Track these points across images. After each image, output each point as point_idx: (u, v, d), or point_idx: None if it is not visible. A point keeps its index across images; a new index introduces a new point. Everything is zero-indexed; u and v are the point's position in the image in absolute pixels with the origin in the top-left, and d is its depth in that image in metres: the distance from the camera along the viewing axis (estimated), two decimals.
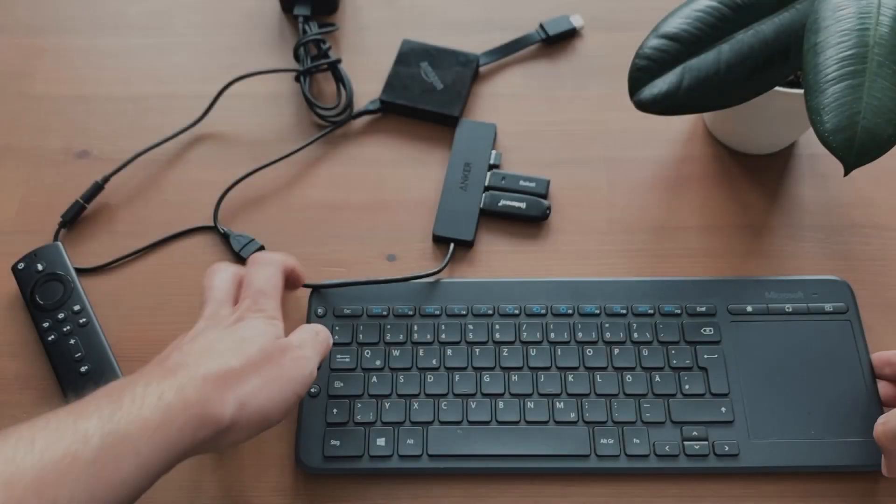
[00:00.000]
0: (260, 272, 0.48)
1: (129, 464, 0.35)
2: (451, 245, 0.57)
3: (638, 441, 0.49)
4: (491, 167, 0.60)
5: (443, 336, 0.53)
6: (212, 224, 0.59)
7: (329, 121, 0.63)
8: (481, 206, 0.59)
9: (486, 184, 0.59)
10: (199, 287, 0.52)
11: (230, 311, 0.45)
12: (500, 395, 0.51)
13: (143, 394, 0.37)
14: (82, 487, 0.33)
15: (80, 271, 0.56)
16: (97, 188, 0.60)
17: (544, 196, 0.59)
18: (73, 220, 0.59)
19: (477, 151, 0.61)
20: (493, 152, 0.61)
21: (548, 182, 0.59)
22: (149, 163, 0.62)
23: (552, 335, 0.53)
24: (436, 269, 0.56)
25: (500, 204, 0.58)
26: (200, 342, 0.42)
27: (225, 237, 0.58)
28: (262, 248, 0.58)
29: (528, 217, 0.58)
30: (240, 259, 0.57)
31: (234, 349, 0.41)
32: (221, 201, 0.59)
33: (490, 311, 0.54)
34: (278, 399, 0.41)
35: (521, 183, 0.59)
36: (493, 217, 0.59)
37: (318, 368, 0.45)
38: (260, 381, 0.41)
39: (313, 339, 0.45)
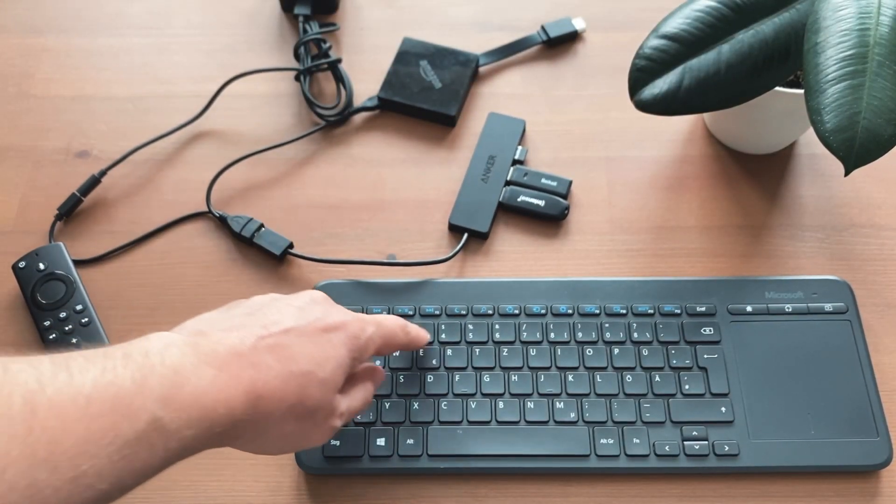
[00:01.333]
0: (394, 318, 0.47)
1: (156, 457, 0.33)
2: (465, 235, 0.57)
3: (638, 441, 0.49)
4: (515, 162, 0.60)
5: (443, 336, 0.53)
6: (206, 210, 0.59)
7: (326, 118, 0.63)
8: (501, 199, 0.59)
9: (508, 178, 0.60)
10: (201, 283, 0.55)
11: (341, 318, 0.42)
12: (500, 395, 0.51)
13: (204, 391, 0.34)
14: (110, 467, 0.31)
15: (77, 263, 0.57)
16: (94, 181, 0.60)
17: (564, 196, 0.59)
18: (70, 212, 0.59)
19: (503, 145, 0.61)
20: (520, 148, 0.61)
21: (569, 182, 0.59)
22: (147, 160, 0.62)
23: (552, 335, 0.53)
24: (448, 256, 0.56)
25: (518, 199, 0.59)
26: (288, 345, 0.38)
27: (222, 220, 0.58)
28: (262, 225, 0.58)
29: (545, 215, 0.58)
30: (241, 241, 0.58)
31: (305, 378, 0.38)
32: (213, 185, 0.60)
33: (490, 311, 0.54)
34: (283, 447, 0.41)
35: (543, 181, 0.59)
36: (511, 212, 0.59)
37: None
38: (290, 429, 0.39)
39: (354, 414, 0.44)
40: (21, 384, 0.29)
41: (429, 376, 0.52)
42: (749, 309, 0.53)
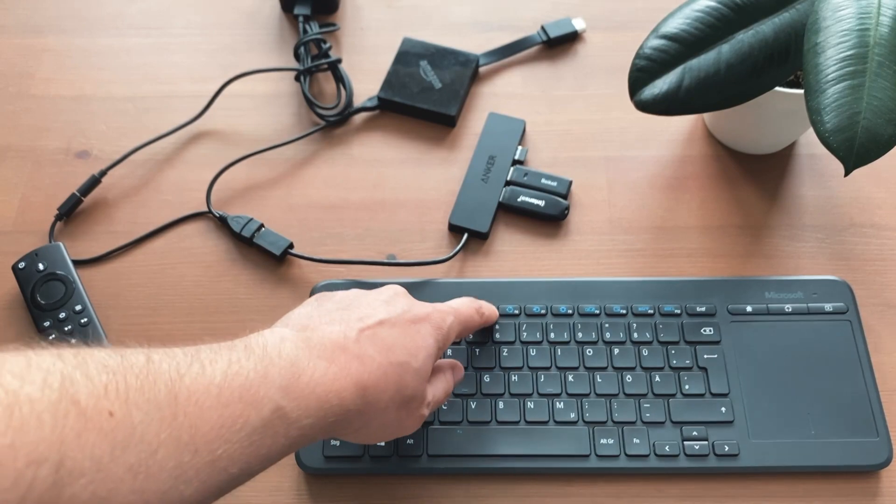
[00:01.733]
0: (467, 301, 0.49)
1: (278, 444, 0.35)
2: (465, 235, 0.57)
3: (638, 441, 0.49)
4: (515, 162, 0.60)
5: None
6: (206, 210, 0.59)
7: (326, 118, 0.63)
8: (501, 199, 0.59)
9: (508, 178, 0.60)
10: (201, 283, 0.55)
11: (424, 313, 0.43)
12: (500, 395, 0.51)
13: (318, 382, 0.36)
14: (240, 452, 0.33)
15: (77, 263, 0.56)
16: (94, 182, 0.60)
17: (564, 196, 0.59)
18: (70, 212, 0.59)
19: (503, 145, 0.61)
20: (520, 148, 0.61)
21: (569, 182, 0.59)
22: (147, 160, 0.62)
23: (552, 335, 0.53)
24: (448, 256, 0.56)
25: (518, 200, 0.59)
26: (384, 336, 0.40)
27: (222, 220, 0.58)
28: (262, 225, 0.58)
29: (545, 215, 0.58)
30: (241, 241, 0.58)
31: (401, 368, 0.40)
32: (213, 185, 0.60)
33: None
34: (383, 436, 0.42)
35: (543, 181, 0.59)
36: (511, 212, 0.59)
37: None
38: (390, 418, 0.40)
39: (438, 405, 0.45)
40: (164, 373, 0.32)
41: None
42: (749, 309, 0.53)
